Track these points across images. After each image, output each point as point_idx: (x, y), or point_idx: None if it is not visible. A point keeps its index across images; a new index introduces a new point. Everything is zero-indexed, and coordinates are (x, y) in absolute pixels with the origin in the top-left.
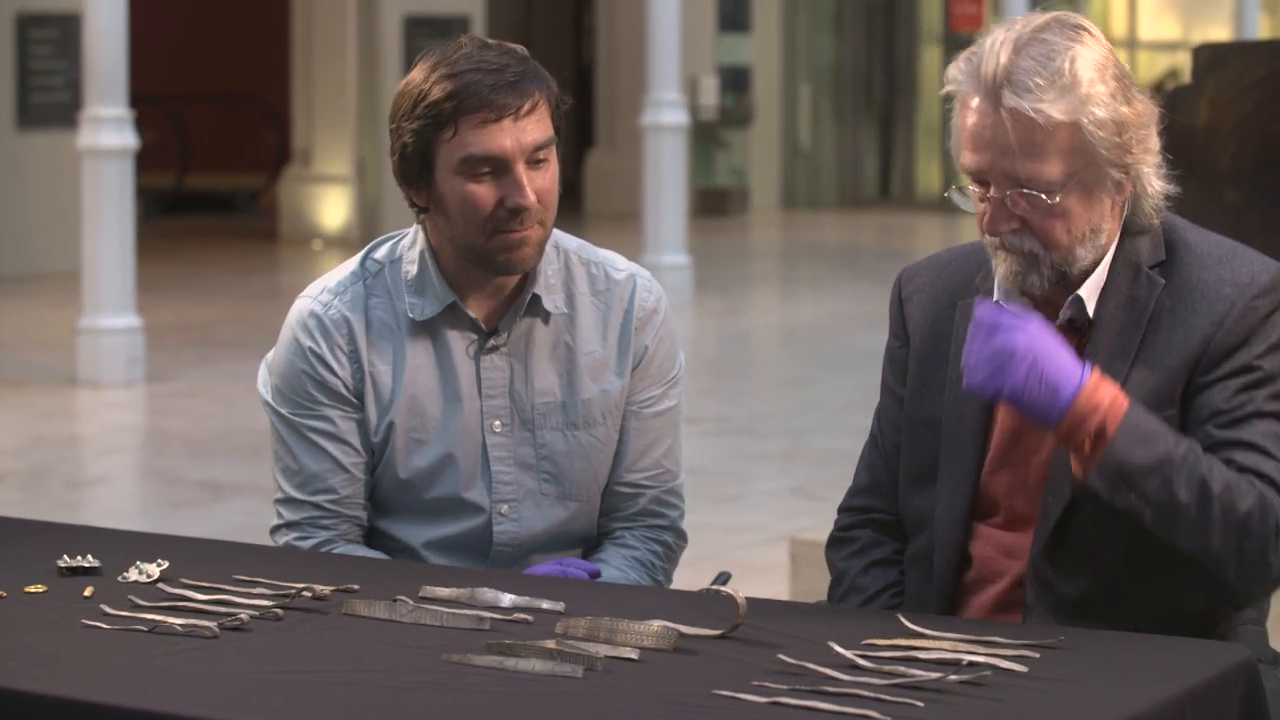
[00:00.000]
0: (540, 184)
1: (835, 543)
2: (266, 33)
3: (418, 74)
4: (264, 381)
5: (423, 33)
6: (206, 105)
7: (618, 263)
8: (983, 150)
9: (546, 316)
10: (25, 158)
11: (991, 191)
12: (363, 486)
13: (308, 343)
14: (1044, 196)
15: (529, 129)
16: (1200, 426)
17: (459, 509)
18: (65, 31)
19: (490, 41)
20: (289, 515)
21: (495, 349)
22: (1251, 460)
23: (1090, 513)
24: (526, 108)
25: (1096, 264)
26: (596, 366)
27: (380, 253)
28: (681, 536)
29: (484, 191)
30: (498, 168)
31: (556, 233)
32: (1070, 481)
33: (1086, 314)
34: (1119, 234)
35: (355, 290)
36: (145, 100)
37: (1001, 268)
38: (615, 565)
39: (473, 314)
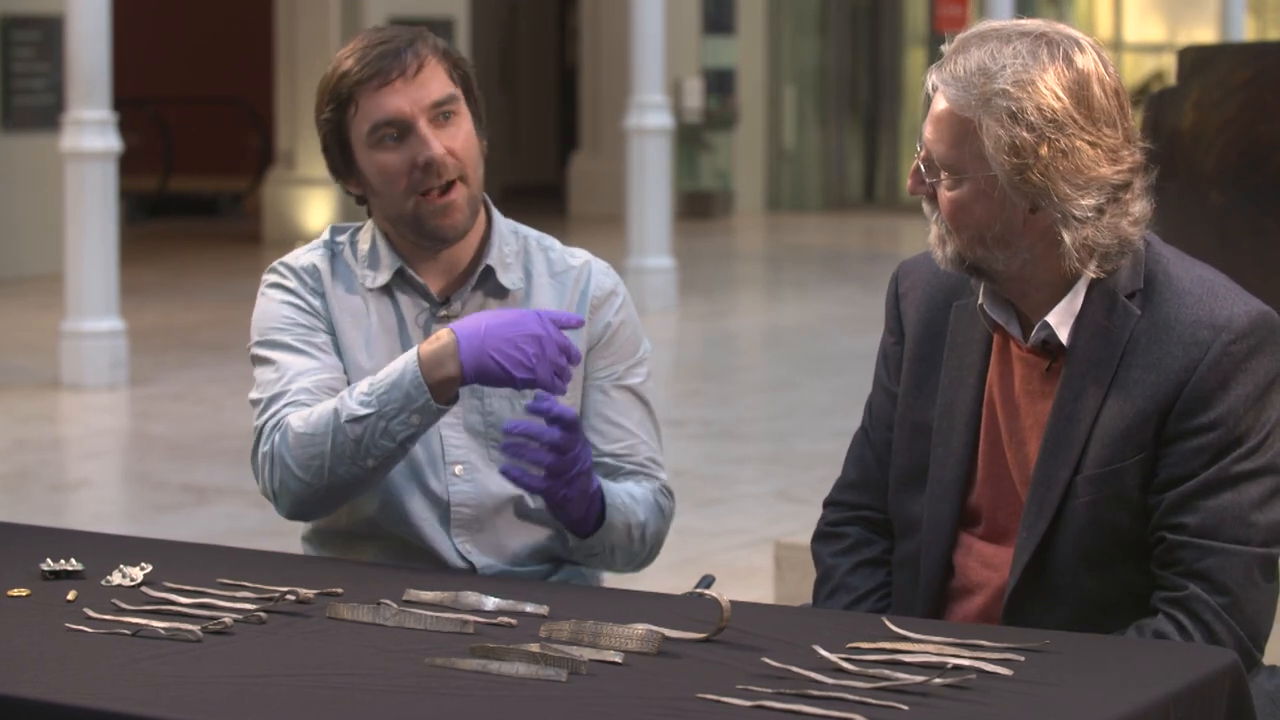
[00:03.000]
0: (451, 141)
1: (823, 537)
2: (250, 36)
3: (327, 69)
4: (251, 342)
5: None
6: (190, 108)
7: (575, 251)
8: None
9: (503, 293)
10: (8, 161)
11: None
12: None
13: (281, 281)
14: (929, 169)
15: (425, 86)
16: (1163, 490)
17: (414, 470)
18: (48, 34)
19: (386, 26)
20: (274, 404)
21: (447, 319)
22: (1192, 560)
23: (1064, 547)
24: (414, 68)
25: (1056, 284)
26: None
27: (342, 236)
28: (670, 497)
29: (395, 158)
30: (402, 130)
31: (516, 224)
32: (1044, 518)
33: (1058, 339)
34: (1087, 266)
35: (323, 252)
36: (129, 103)
37: (930, 235)
38: (613, 491)
39: (425, 283)
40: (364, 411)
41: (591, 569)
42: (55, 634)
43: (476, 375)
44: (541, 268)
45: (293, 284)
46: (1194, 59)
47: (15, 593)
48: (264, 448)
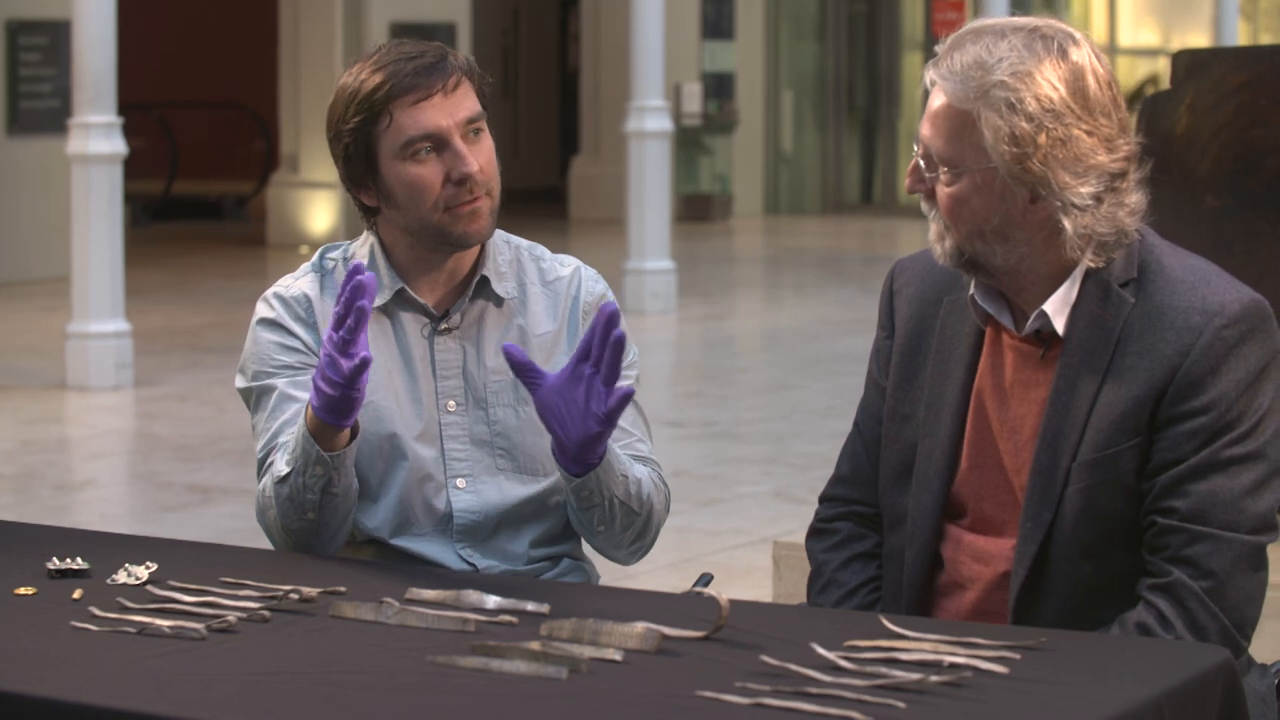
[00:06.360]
0: (479, 155)
1: (816, 533)
2: (254, 41)
3: (345, 79)
4: (239, 377)
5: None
6: (195, 112)
7: (564, 259)
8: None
9: (499, 301)
10: (15, 164)
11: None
12: None
13: (270, 315)
14: (929, 166)
15: (459, 103)
16: (1156, 475)
17: (416, 485)
18: (55, 39)
19: (406, 40)
20: (263, 457)
21: (448, 331)
22: (1180, 545)
23: (1061, 535)
24: (452, 83)
25: (1052, 276)
26: (548, 347)
27: (334, 253)
28: (665, 485)
29: (429, 171)
30: (438, 144)
31: (507, 233)
32: (1048, 507)
33: (1052, 327)
34: (1085, 254)
35: (313, 276)
36: (134, 108)
37: (930, 233)
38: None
39: (423, 300)
40: (286, 470)
41: (596, 542)
42: (61, 632)
43: (329, 416)
44: (534, 276)
45: (283, 318)
46: (1188, 63)
47: (22, 591)
48: (257, 500)
